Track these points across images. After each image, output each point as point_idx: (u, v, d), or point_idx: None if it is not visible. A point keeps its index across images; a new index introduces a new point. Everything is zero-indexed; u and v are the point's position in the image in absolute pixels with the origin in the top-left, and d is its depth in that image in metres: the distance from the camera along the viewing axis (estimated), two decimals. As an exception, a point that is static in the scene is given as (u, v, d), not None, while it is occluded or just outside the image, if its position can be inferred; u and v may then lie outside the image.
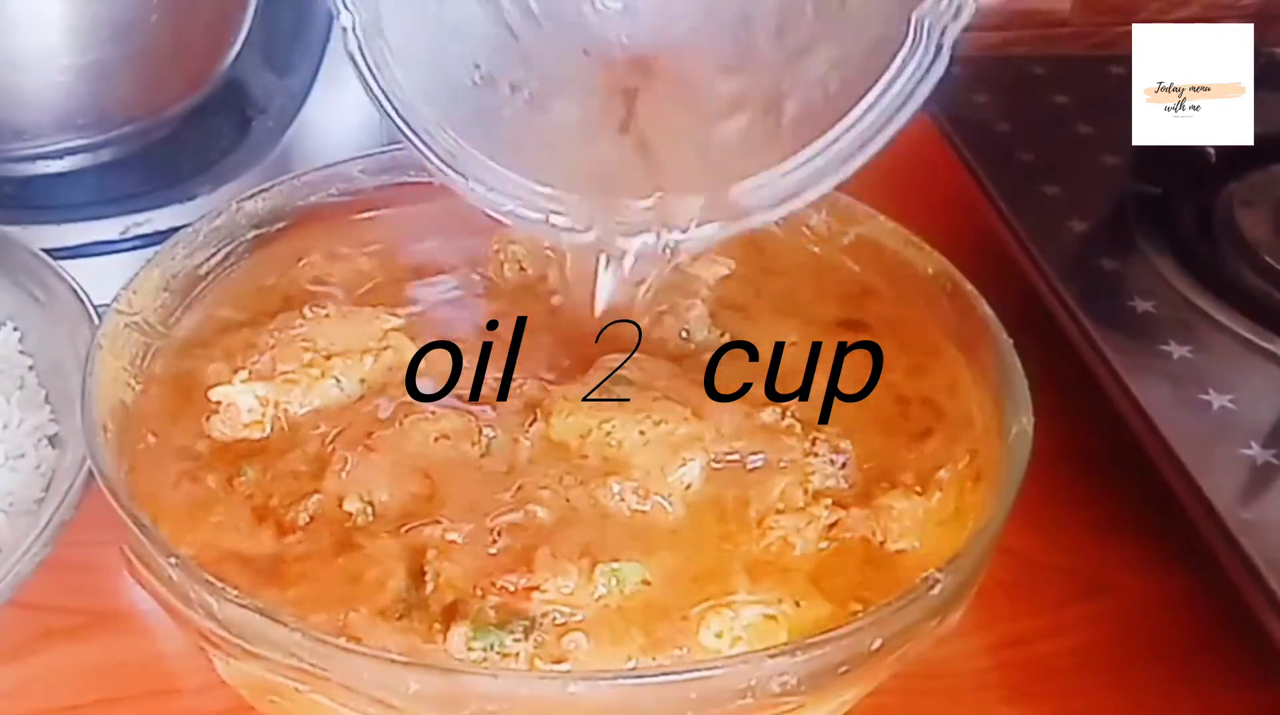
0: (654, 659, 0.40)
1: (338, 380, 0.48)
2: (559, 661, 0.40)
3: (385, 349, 0.50)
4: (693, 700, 0.37)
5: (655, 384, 0.48)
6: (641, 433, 0.46)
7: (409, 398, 0.48)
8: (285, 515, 0.44)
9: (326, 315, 0.51)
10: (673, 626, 0.41)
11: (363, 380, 0.49)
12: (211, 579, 0.39)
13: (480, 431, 0.47)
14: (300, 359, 0.49)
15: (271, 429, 0.47)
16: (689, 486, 0.45)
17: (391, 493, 0.44)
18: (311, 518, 0.44)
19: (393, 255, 0.56)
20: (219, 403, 0.47)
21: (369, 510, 0.44)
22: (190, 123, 0.68)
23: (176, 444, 0.47)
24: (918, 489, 0.45)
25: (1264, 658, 0.46)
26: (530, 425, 0.47)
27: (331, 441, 0.46)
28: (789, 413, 0.47)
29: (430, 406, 0.47)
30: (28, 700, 0.49)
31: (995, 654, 0.52)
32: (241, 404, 0.47)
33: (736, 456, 0.46)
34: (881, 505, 0.45)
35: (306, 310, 0.51)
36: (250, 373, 0.48)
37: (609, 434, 0.46)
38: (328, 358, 0.49)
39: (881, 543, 0.44)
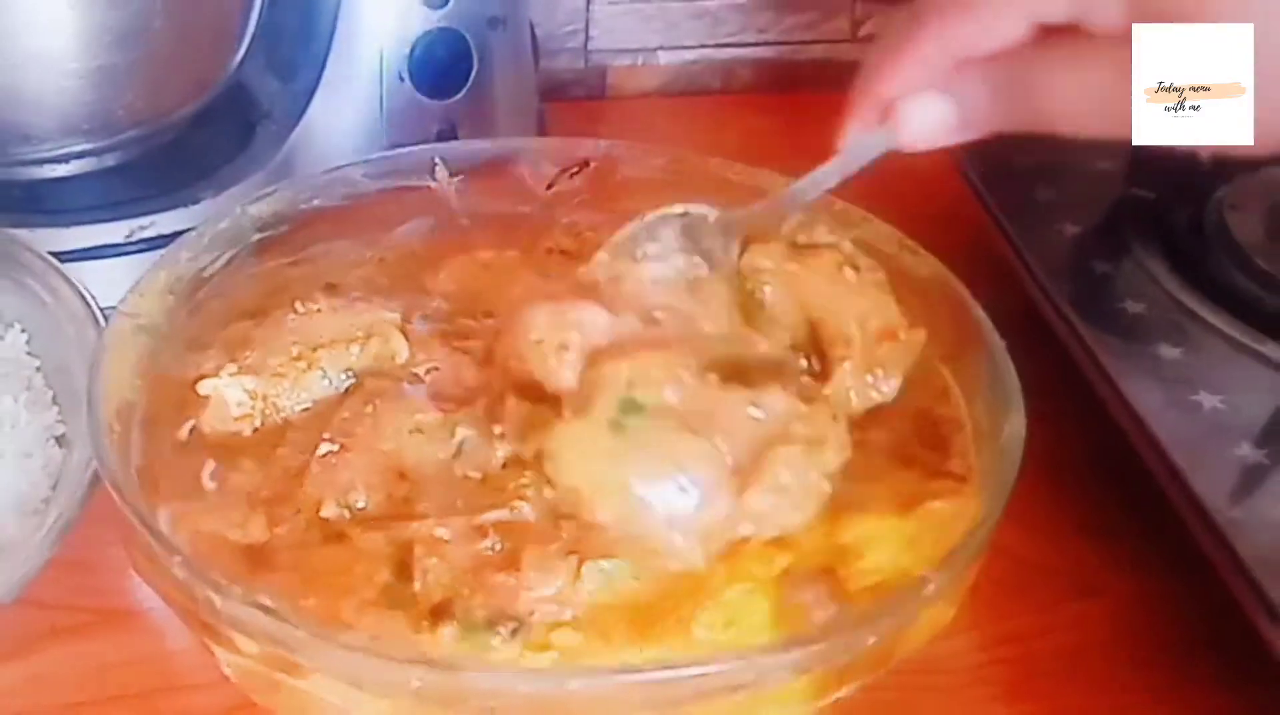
0: (643, 653, 0.40)
1: (324, 372, 0.48)
2: (546, 654, 0.40)
3: (371, 337, 0.49)
4: (689, 695, 0.37)
5: (670, 404, 0.45)
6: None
7: (388, 386, 0.48)
8: (274, 509, 0.44)
9: (318, 310, 0.50)
10: (663, 623, 0.41)
11: (349, 370, 0.49)
12: (217, 577, 0.39)
13: (454, 429, 0.46)
14: (288, 353, 0.48)
15: (262, 422, 0.47)
16: (711, 524, 0.43)
17: (369, 496, 0.44)
18: (298, 511, 0.44)
19: (396, 259, 0.56)
20: (207, 397, 0.47)
21: (346, 515, 0.44)
22: (195, 127, 0.68)
23: (175, 440, 0.47)
24: (892, 511, 0.45)
25: (1255, 657, 0.46)
26: (518, 438, 0.45)
27: (311, 440, 0.46)
28: (795, 395, 0.47)
29: (407, 397, 0.47)
30: (34, 697, 0.49)
31: (989, 652, 0.53)
32: (229, 397, 0.47)
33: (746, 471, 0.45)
34: (851, 529, 0.45)
35: (298, 305, 0.50)
36: (239, 367, 0.48)
37: (624, 486, 0.43)
38: (314, 350, 0.48)
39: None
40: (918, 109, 0.42)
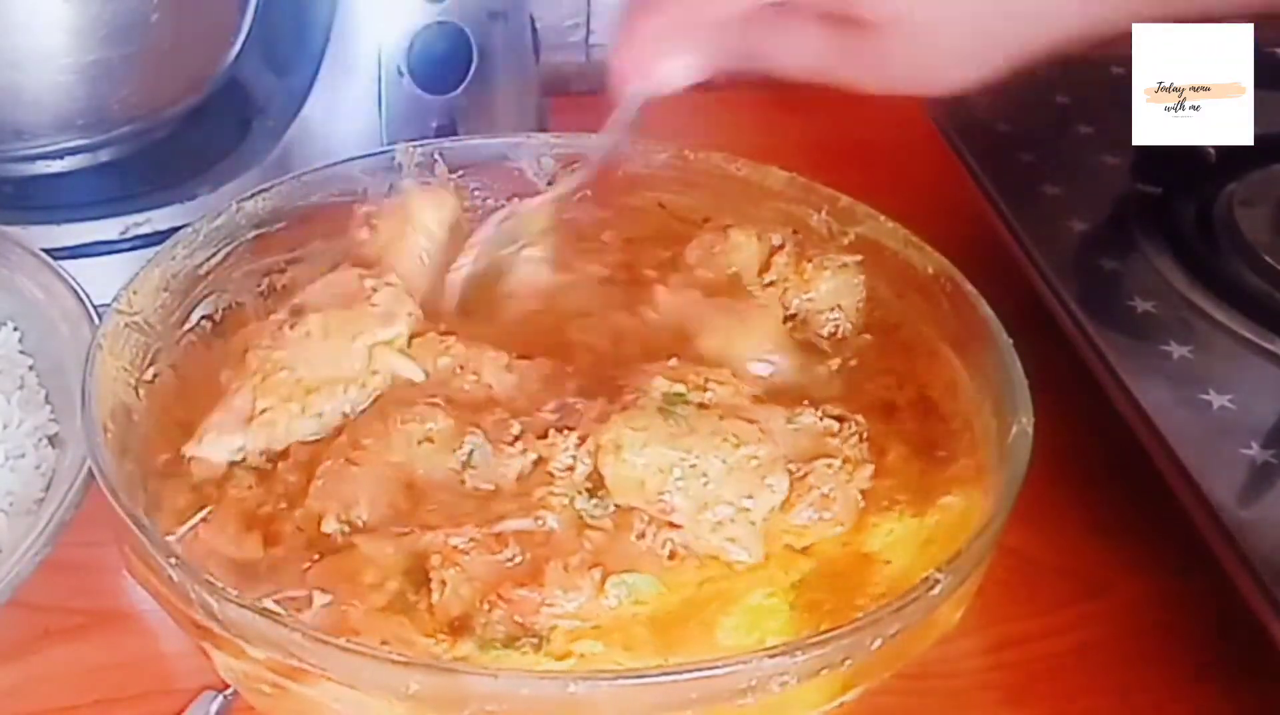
0: (666, 660, 0.40)
1: (320, 416, 0.46)
2: (566, 660, 0.40)
3: (374, 374, 0.47)
4: (693, 700, 0.37)
5: (709, 399, 0.45)
6: (724, 461, 0.43)
7: (396, 396, 0.47)
8: (271, 527, 0.43)
9: (308, 333, 0.48)
10: (686, 628, 0.41)
11: (346, 414, 0.47)
12: (211, 578, 0.39)
13: (464, 438, 0.45)
14: (279, 393, 0.46)
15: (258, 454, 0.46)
16: (773, 509, 0.43)
17: (371, 509, 0.43)
18: (298, 529, 0.43)
19: (393, 256, 0.56)
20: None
21: (346, 530, 0.43)
22: (190, 123, 0.68)
23: (171, 446, 0.46)
24: (910, 511, 0.45)
25: (1263, 657, 0.46)
26: (575, 450, 0.44)
27: (316, 456, 0.45)
28: (825, 414, 0.47)
29: (419, 405, 0.46)
30: (28, 700, 0.49)
31: (994, 654, 0.52)
32: (217, 459, 0.45)
33: (795, 468, 0.45)
34: (875, 537, 0.45)
35: (288, 329, 0.48)
36: (218, 431, 0.45)
37: (694, 466, 0.42)
38: (308, 393, 0.46)
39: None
40: (671, 64, 0.52)
